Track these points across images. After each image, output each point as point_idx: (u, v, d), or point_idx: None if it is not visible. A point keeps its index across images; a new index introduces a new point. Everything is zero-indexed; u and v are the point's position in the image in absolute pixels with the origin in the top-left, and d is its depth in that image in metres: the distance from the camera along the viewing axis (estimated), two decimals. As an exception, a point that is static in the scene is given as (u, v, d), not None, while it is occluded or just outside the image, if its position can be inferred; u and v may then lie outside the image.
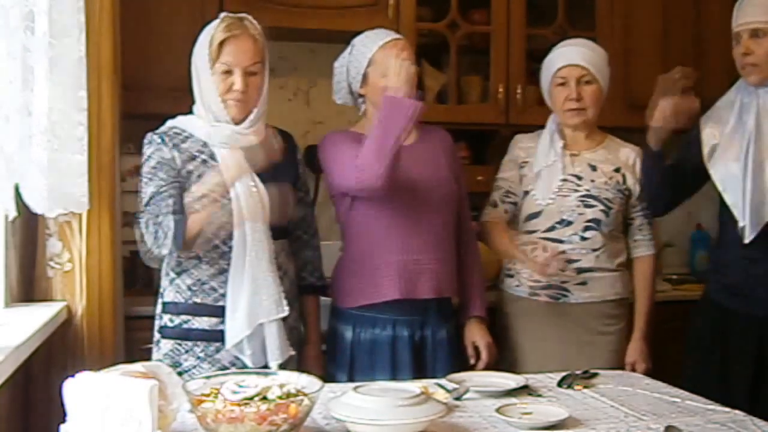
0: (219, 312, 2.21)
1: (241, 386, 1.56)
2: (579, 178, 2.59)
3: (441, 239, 2.44)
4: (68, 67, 2.04)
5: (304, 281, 2.43)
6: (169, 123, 2.31)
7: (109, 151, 2.32)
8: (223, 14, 2.26)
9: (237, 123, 2.23)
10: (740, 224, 2.39)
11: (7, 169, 1.81)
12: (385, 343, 2.38)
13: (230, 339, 2.19)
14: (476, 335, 2.51)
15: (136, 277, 3.20)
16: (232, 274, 2.19)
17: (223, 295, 2.21)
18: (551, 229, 2.57)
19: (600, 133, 2.70)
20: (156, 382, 1.48)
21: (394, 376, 2.32)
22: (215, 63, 2.19)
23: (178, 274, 2.24)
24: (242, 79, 2.19)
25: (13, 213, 1.88)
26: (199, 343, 2.22)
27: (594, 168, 2.61)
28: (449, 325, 2.48)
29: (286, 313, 2.22)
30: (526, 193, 2.63)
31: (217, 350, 2.22)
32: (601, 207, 2.56)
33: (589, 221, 2.55)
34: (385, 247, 2.38)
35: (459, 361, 2.46)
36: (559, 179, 2.58)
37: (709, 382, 2.44)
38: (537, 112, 2.75)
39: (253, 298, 2.18)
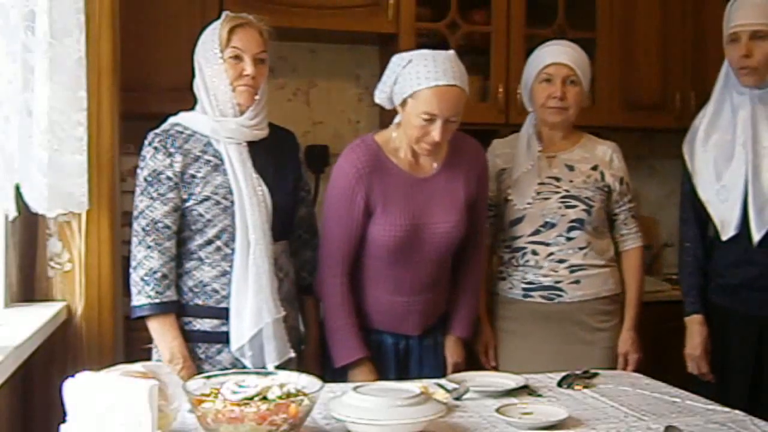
0: (221, 314, 2.21)
1: (241, 386, 1.56)
2: (557, 179, 2.59)
3: (436, 280, 2.41)
4: (68, 67, 2.04)
5: (303, 281, 2.43)
6: (171, 120, 2.30)
7: (109, 151, 2.32)
8: (225, 12, 2.27)
9: (242, 112, 2.23)
10: (731, 232, 2.41)
11: (7, 169, 1.81)
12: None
13: (236, 340, 2.19)
14: (448, 351, 2.49)
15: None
16: (235, 276, 2.19)
17: (225, 297, 2.21)
18: (536, 232, 2.57)
19: (576, 133, 2.70)
20: (156, 382, 1.48)
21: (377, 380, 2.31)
22: (225, 49, 2.20)
23: (179, 276, 2.24)
24: (252, 64, 2.20)
25: (13, 213, 1.88)
26: (200, 344, 2.22)
27: (571, 168, 2.61)
28: (438, 334, 2.47)
29: (283, 314, 2.22)
30: (507, 200, 2.62)
31: (218, 352, 2.22)
32: (583, 206, 2.56)
33: (572, 221, 2.56)
34: (376, 284, 2.37)
35: (445, 365, 2.46)
36: (537, 183, 2.58)
37: (708, 383, 2.46)
38: (537, 112, 2.76)
39: (257, 298, 2.18)
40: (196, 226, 2.22)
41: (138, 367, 1.63)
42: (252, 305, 2.18)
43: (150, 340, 2.32)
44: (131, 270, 2.21)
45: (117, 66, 2.41)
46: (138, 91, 2.98)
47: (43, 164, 1.96)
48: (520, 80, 3.41)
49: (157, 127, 2.29)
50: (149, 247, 2.18)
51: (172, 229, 2.20)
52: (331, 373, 2.39)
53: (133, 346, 2.67)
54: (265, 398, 1.53)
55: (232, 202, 2.19)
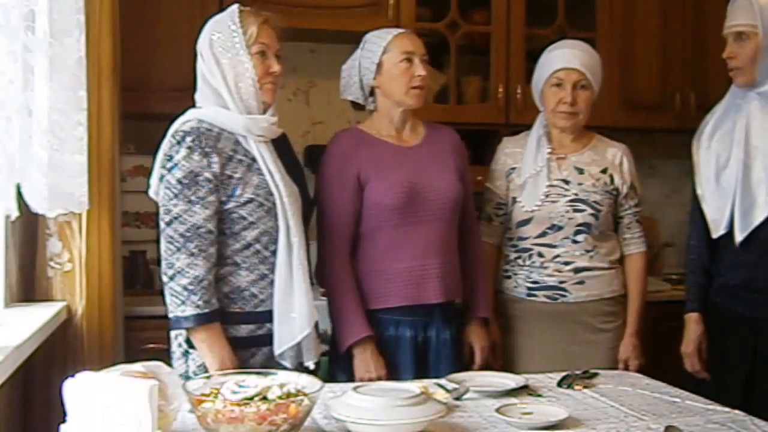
0: (258, 318, 2.13)
1: (241, 386, 1.56)
2: (566, 182, 2.59)
3: (446, 242, 2.42)
4: (68, 67, 2.04)
5: None
6: (194, 117, 2.14)
7: (109, 151, 2.32)
8: (236, 5, 2.20)
9: (265, 110, 2.19)
10: (720, 231, 2.43)
11: (8, 169, 1.81)
12: (386, 344, 2.37)
13: (282, 344, 2.11)
14: (473, 337, 2.51)
15: (136, 277, 3.20)
16: (278, 280, 2.11)
17: (263, 301, 2.13)
18: (542, 234, 2.58)
19: (587, 134, 2.70)
20: (156, 382, 1.48)
21: (394, 377, 2.32)
22: (253, 45, 2.15)
23: (214, 281, 2.11)
24: (278, 62, 2.20)
25: (14, 213, 1.88)
26: (235, 350, 2.09)
27: (581, 171, 2.61)
28: (453, 327, 2.46)
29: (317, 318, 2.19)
30: (515, 200, 2.63)
31: (252, 355, 2.13)
32: (591, 210, 2.56)
33: (579, 225, 2.56)
34: (390, 253, 2.37)
35: (462, 362, 2.46)
36: (546, 185, 2.58)
37: (706, 383, 2.46)
38: (536, 112, 2.76)
39: (306, 299, 2.11)
40: (233, 230, 2.11)
41: (138, 367, 1.63)
42: (302, 307, 2.10)
43: (151, 341, 2.32)
44: (167, 279, 2.05)
45: (117, 66, 2.41)
46: (138, 91, 2.98)
47: (43, 164, 1.96)
48: (520, 80, 3.45)
49: (169, 126, 2.17)
50: (192, 254, 2.03)
51: (214, 233, 2.07)
52: (338, 369, 2.39)
53: (133, 346, 2.68)
54: (265, 398, 1.53)
55: (274, 204, 2.11)
